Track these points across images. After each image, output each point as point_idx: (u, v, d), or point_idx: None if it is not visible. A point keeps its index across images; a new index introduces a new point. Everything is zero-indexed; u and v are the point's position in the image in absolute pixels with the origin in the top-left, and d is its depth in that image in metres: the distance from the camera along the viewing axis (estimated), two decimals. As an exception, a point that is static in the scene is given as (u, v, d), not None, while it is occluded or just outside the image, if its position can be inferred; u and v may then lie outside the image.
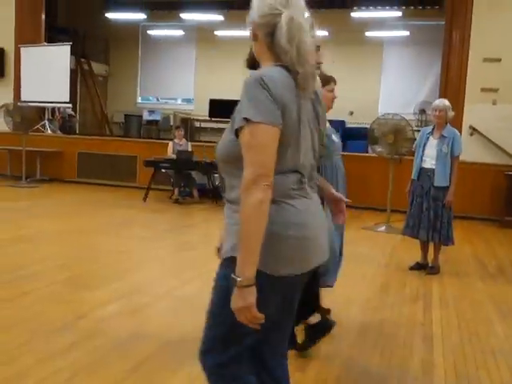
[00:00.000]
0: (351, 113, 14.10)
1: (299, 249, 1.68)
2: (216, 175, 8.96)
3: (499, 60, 9.36)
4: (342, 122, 13.51)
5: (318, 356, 3.32)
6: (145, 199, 9.11)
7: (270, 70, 1.68)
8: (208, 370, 1.79)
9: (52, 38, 13.09)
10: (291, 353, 2.89)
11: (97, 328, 3.45)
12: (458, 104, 8.61)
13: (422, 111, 12.92)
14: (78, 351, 3.09)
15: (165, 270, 5.13)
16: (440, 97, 8.65)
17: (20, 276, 4.49)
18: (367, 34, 13.29)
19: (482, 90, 9.46)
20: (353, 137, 12.91)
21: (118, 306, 3.98)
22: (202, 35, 15.40)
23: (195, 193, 9.55)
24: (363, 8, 12.47)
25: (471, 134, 9.38)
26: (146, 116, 16.37)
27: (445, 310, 4.31)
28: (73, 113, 13.77)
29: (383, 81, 13.97)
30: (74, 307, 3.84)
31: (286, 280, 1.68)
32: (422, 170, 5.32)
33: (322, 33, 13.63)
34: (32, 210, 7.90)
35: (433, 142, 5.28)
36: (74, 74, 13.78)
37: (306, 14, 1.77)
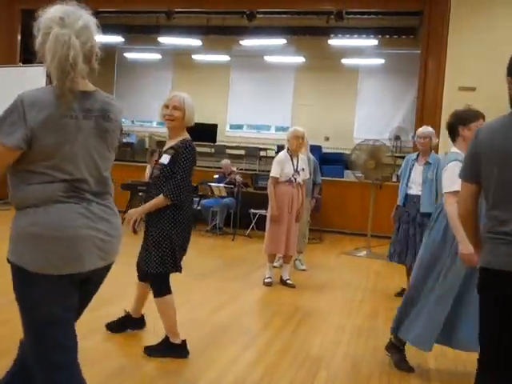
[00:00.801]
0: (327, 138, 14.21)
1: (55, 249, 1.82)
2: (195, 199, 8.87)
3: (474, 89, 9.59)
4: (319, 147, 13.60)
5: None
6: (122, 223, 8.91)
7: (36, 90, 1.79)
8: None
9: (27, 59, 12.90)
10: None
11: (82, 358, 3.32)
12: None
13: (397, 137, 13.11)
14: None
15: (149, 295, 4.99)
16: (416, 124, 8.80)
17: None
18: (343, 60, 13.50)
19: (458, 117, 9.65)
20: (329, 162, 12.99)
21: (104, 334, 3.87)
22: (179, 59, 15.41)
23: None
24: (340, 36, 12.66)
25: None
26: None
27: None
28: (46, 134, 13.55)
29: (358, 107, 14.14)
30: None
31: (48, 277, 1.81)
32: (407, 197, 5.35)
33: (299, 59, 13.85)
34: (5, 234, 7.65)
35: (418, 169, 5.34)
36: (48, 95, 13.61)
37: (88, 35, 1.79)
